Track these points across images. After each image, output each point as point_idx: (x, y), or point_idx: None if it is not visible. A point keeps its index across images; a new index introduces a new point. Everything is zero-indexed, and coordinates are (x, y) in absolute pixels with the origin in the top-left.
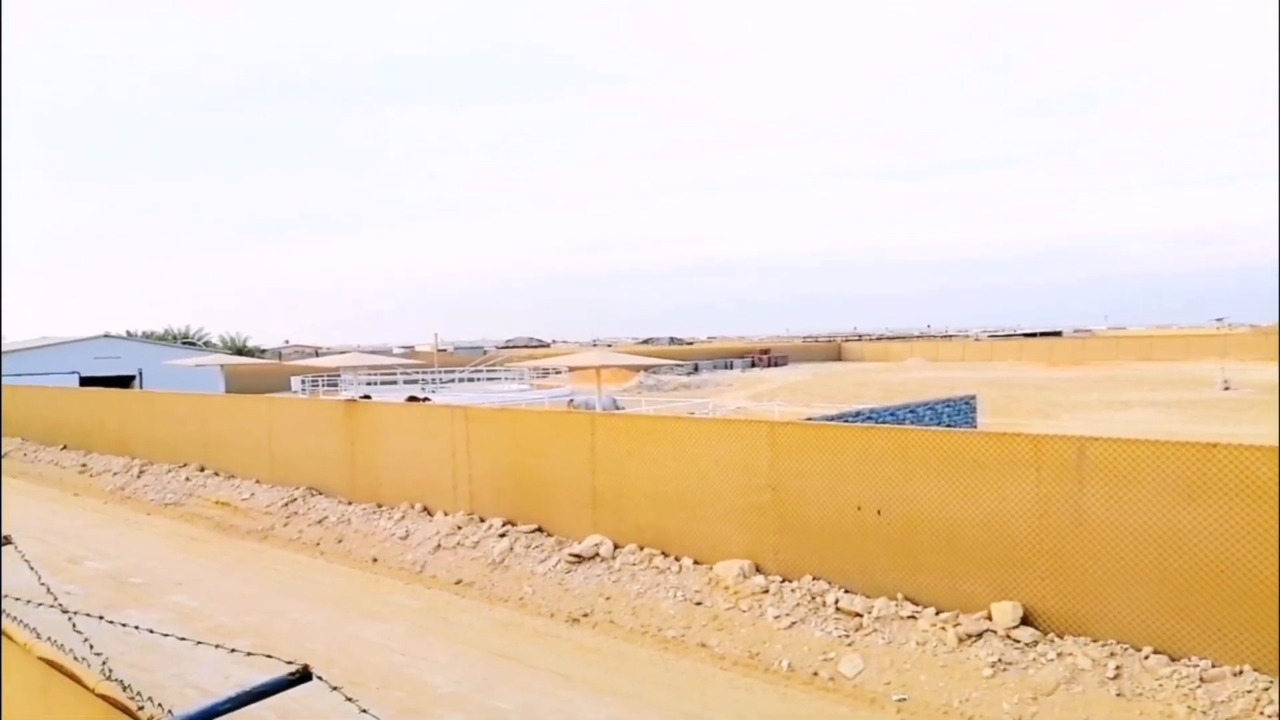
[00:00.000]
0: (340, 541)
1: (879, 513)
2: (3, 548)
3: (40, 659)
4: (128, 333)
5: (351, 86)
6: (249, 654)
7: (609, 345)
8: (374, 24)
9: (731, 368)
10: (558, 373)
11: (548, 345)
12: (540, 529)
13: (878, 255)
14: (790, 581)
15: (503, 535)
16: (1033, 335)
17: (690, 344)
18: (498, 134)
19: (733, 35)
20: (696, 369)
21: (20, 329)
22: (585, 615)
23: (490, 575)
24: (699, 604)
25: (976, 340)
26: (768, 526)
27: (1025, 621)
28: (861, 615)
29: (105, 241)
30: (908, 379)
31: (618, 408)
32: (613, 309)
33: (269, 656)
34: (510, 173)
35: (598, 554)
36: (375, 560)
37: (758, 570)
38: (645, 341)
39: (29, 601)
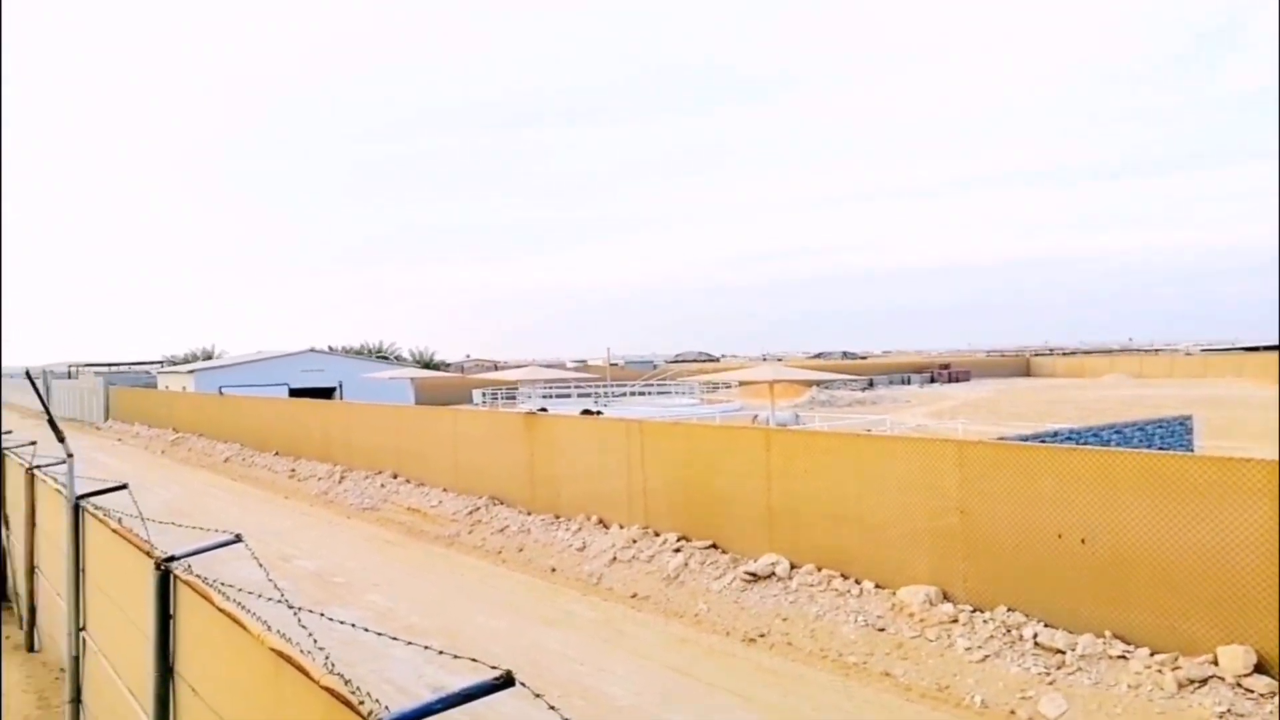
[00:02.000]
0: (521, 550)
1: (1082, 541)
2: (235, 544)
3: (271, 649)
4: (330, 347)
5: (524, 109)
6: (455, 656)
7: (779, 360)
8: (545, 50)
9: (909, 383)
10: (728, 387)
11: (717, 359)
12: (715, 545)
13: (1068, 263)
14: (982, 611)
15: (677, 550)
16: (1255, 349)
17: (864, 358)
18: (668, 149)
19: (901, 38)
20: (871, 384)
21: (238, 344)
22: (762, 635)
23: (665, 590)
24: (882, 630)
25: (1188, 355)
26: (955, 552)
27: (1259, 669)
28: (1064, 652)
29: (310, 261)
30: (1107, 397)
31: (800, 423)
32: (783, 323)
33: (474, 661)
34: (680, 187)
35: (774, 573)
36: (554, 570)
37: (945, 598)
38: (817, 356)
39: (259, 595)
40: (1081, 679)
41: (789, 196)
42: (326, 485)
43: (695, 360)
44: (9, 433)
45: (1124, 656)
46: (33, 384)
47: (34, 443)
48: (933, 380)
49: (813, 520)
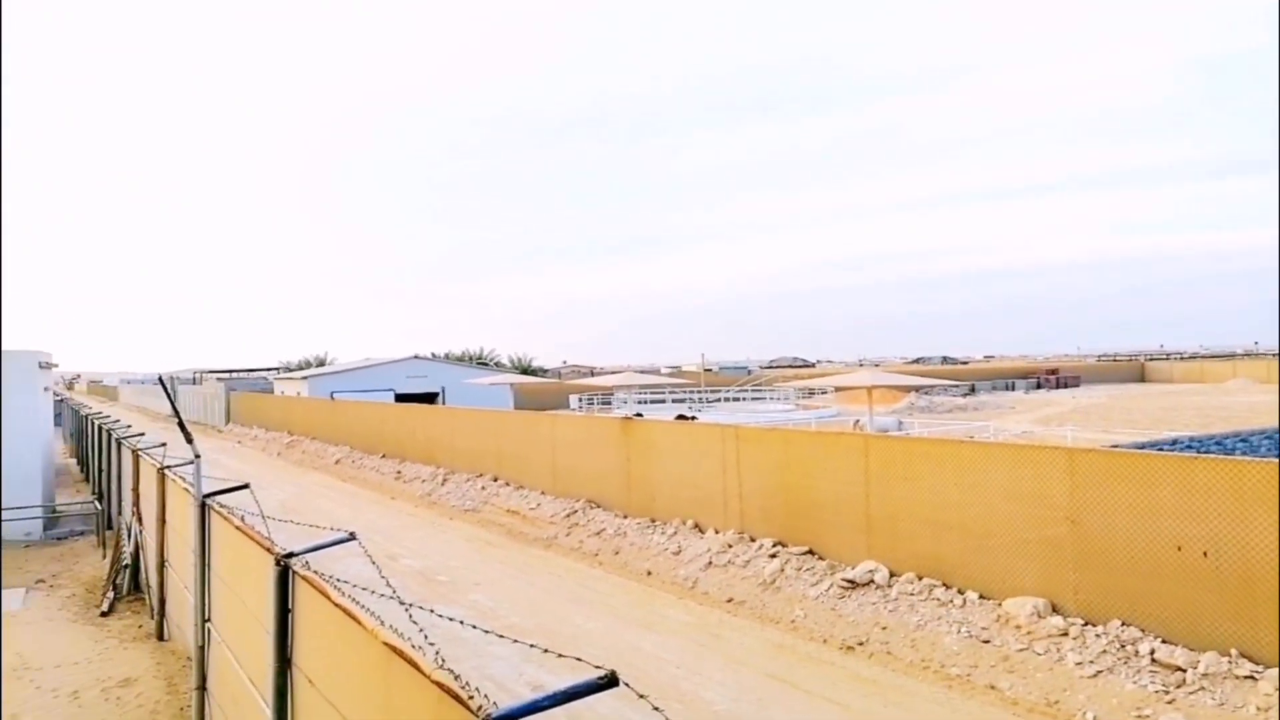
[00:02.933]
0: (617, 553)
1: (1205, 555)
2: (349, 542)
3: (384, 644)
4: (433, 354)
5: (619, 120)
6: (560, 656)
7: (876, 365)
8: (634, 60)
9: (1013, 389)
10: (824, 393)
11: (812, 365)
12: (811, 551)
13: (1187, 262)
14: (1094, 625)
15: (773, 556)
16: None
17: (965, 363)
18: (765, 154)
19: (1002, 41)
20: (973, 390)
21: (348, 352)
22: (860, 643)
23: (761, 595)
24: (986, 642)
25: None
26: (1065, 563)
27: None
28: (1184, 670)
29: (415, 272)
30: (1231, 404)
31: (902, 429)
32: (880, 327)
33: (578, 660)
34: (778, 192)
35: (872, 581)
36: (649, 573)
37: (1054, 610)
38: (915, 361)
39: (372, 592)
40: (1204, 699)
41: (890, 199)
42: (430, 487)
43: (790, 366)
44: (141, 434)
45: (1252, 677)
46: (165, 390)
47: (164, 444)
48: (1039, 386)
49: (913, 528)
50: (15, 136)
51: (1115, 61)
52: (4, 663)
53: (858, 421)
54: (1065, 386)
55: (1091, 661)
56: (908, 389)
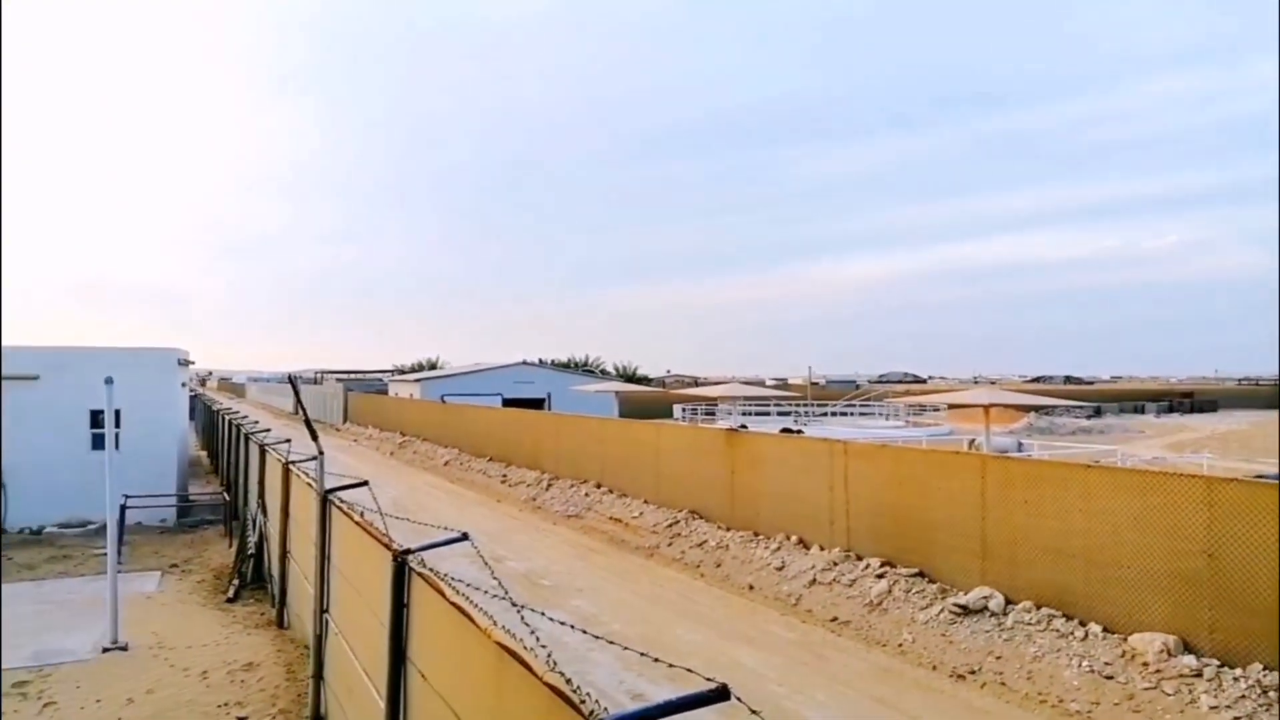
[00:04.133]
0: (719, 566)
1: None
2: (462, 541)
3: (496, 643)
4: (540, 360)
5: (734, 132)
6: (670, 665)
7: (993, 382)
8: (752, 71)
9: (1142, 412)
10: (935, 410)
11: (923, 381)
12: (921, 573)
13: None
14: (1231, 668)
15: (880, 576)
16: None
17: (1090, 384)
18: (877, 166)
19: (1144, 47)
20: (1099, 412)
21: (458, 356)
22: (972, 672)
23: (868, 616)
24: (1109, 678)
25: None
26: (1200, 599)
27: None
28: None
29: (523, 280)
30: None
31: (1023, 451)
32: (996, 343)
33: (689, 671)
34: (891, 203)
35: (986, 608)
36: (751, 587)
37: (1186, 648)
38: (1036, 380)
39: (485, 592)
40: None
41: (1014, 211)
42: (535, 491)
43: (900, 381)
44: (267, 430)
45: None
46: (294, 388)
47: (289, 440)
48: (1171, 410)
49: (1031, 554)
50: (161, 144)
51: (1269, 66)
52: (143, 640)
53: (973, 441)
54: (1200, 411)
55: (1229, 707)
56: (1027, 409)
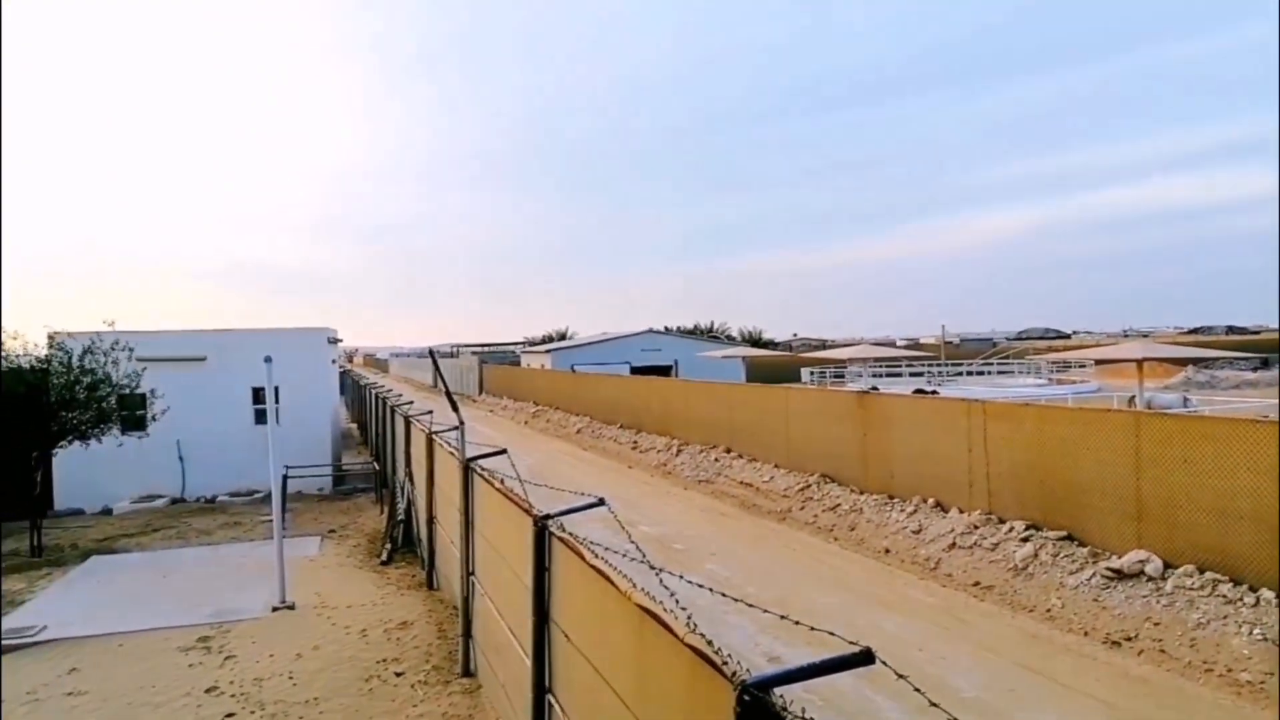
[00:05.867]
0: (853, 530)
1: None
2: (599, 506)
3: (637, 605)
4: (666, 328)
5: (855, 86)
6: (813, 629)
7: (1145, 335)
8: (873, 22)
9: None
10: (1081, 366)
11: (1068, 336)
12: (1069, 537)
13: None
14: None
15: (1025, 540)
16: None
17: (1255, 333)
18: (1013, 114)
19: None
20: (1265, 364)
21: (587, 326)
22: (1128, 639)
23: (1012, 581)
24: None
25: None
26: None
27: None
28: None
29: (651, 249)
30: None
31: (1187, 407)
32: (1148, 294)
33: (831, 634)
34: (1029, 153)
35: (1143, 572)
36: (887, 551)
37: None
38: (1193, 331)
39: (624, 555)
40: None
41: (1161, 153)
42: (665, 457)
43: (1042, 338)
44: (410, 403)
45: None
46: (435, 363)
47: (430, 412)
48: None
49: (1192, 516)
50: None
51: None
52: (308, 600)
53: (1133, 398)
54: None
55: None
56: (1184, 362)
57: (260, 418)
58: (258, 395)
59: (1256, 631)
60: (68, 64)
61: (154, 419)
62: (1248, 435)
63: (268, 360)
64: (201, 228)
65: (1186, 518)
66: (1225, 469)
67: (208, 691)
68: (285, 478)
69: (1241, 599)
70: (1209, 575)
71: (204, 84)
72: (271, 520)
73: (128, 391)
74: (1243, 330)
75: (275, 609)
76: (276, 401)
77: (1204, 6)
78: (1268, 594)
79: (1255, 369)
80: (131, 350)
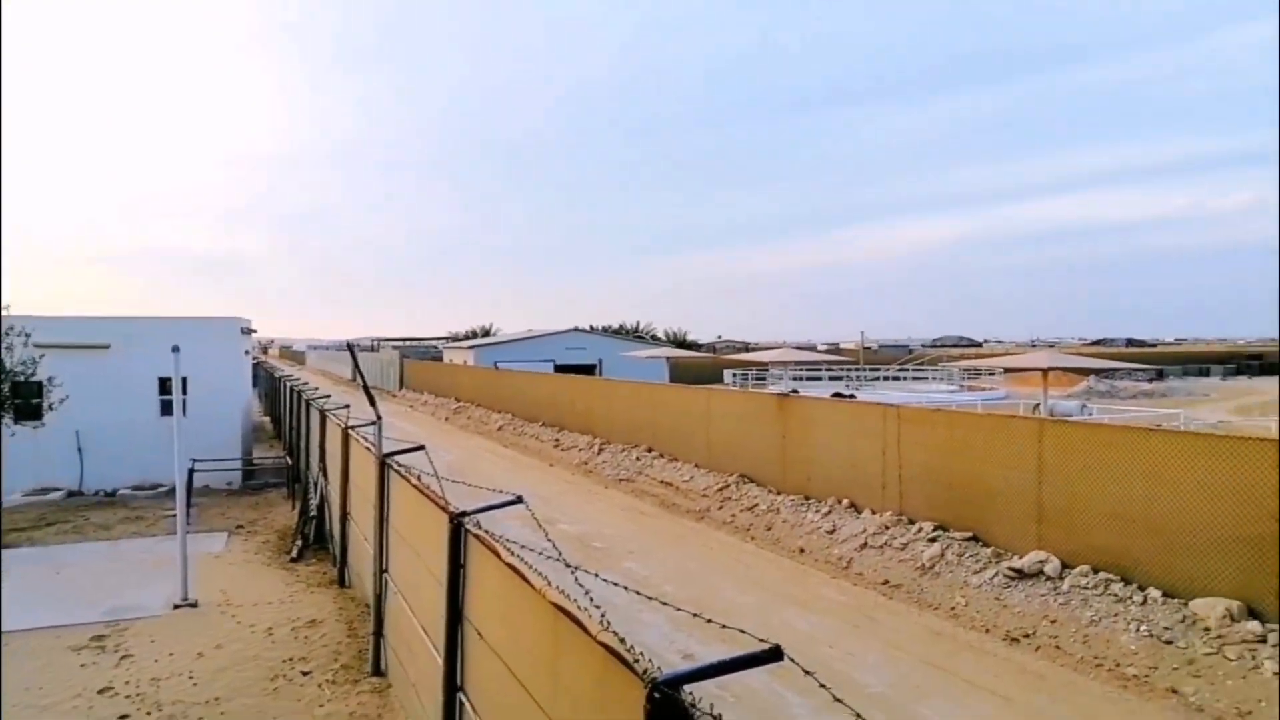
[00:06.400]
0: (769, 529)
1: None
2: (517, 504)
3: (551, 604)
4: (591, 327)
5: (788, 96)
6: (724, 626)
7: (1051, 346)
8: (804, 36)
9: (1207, 375)
10: (991, 374)
11: (979, 345)
12: (975, 538)
13: None
14: None
15: (933, 540)
16: None
17: (1153, 346)
18: (935, 127)
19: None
20: (1161, 375)
21: (511, 323)
22: (1026, 636)
23: (920, 580)
24: (1169, 643)
25: None
26: (1267, 565)
27: None
28: None
29: (576, 248)
30: None
31: (1085, 415)
32: (1057, 307)
33: (742, 631)
34: (950, 166)
35: (1042, 572)
36: (802, 550)
37: (1251, 614)
38: (1096, 343)
39: (540, 553)
40: None
41: (1067, 172)
42: (587, 456)
43: (955, 345)
44: (327, 396)
45: None
46: (353, 356)
47: (348, 406)
48: (1238, 372)
49: (1089, 519)
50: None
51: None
52: (212, 598)
53: (1036, 406)
54: (1269, 373)
55: None
56: (1086, 372)
57: (167, 409)
58: (165, 386)
59: (1144, 628)
60: None
61: (50, 408)
62: (1142, 443)
63: (175, 350)
64: (107, 211)
65: (1084, 521)
66: (1121, 475)
67: (101, 692)
68: (192, 471)
69: (1131, 598)
70: (1102, 575)
71: (113, 61)
72: (175, 515)
73: (23, 379)
74: (1141, 343)
75: (177, 607)
76: (184, 392)
77: (1127, 31)
78: (1154, 593)
79: (1151, 380)
80: (28, 336)
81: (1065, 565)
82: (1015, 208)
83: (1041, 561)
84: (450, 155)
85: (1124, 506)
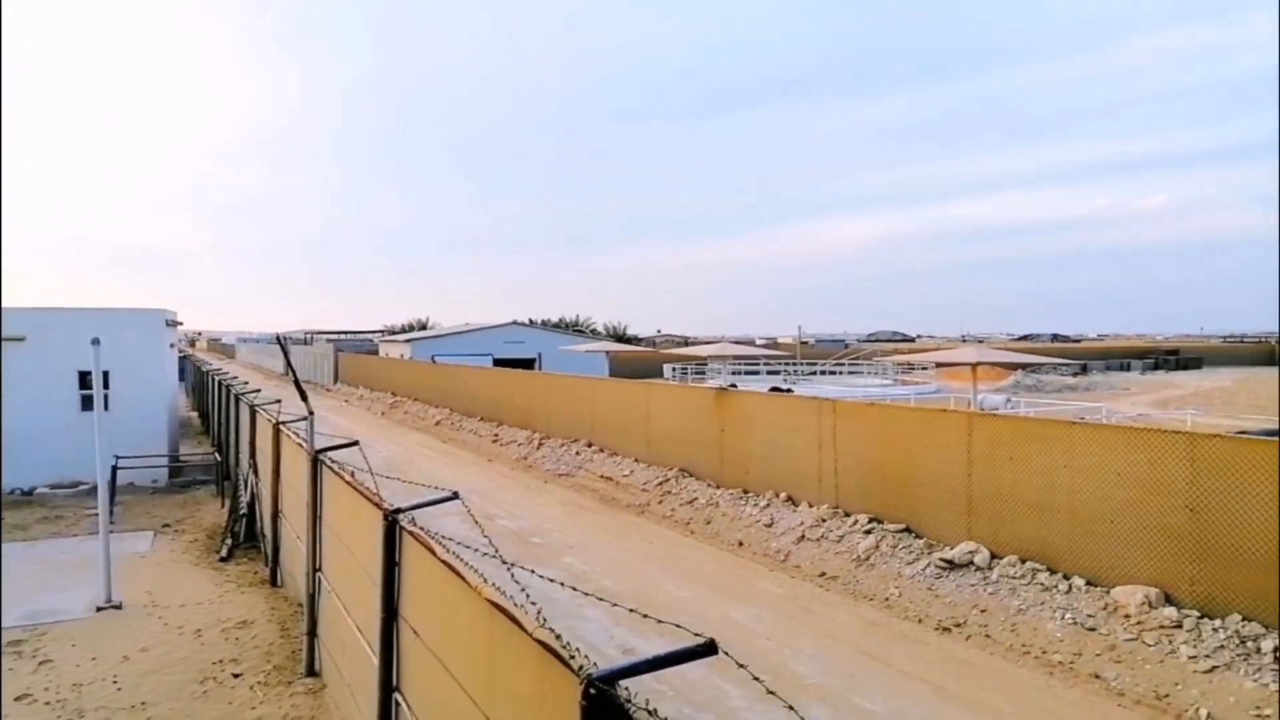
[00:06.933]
0: (709, 523)
1: None
2: (453, 500)
3: (487, 600)
4: (530, 321)
5: (724, 92)
6: (660, 622)
7: (980, 341)
8: (741, 30)
9: (1128, 369)
10: (924, 369)
11: (912, 340)
12: (908, 529)
13: None
14: (1211, 619)
15: (868, 532)
16: None
17: (1076, 341)
18: (870, 126)
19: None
20: (1085, 369)
21: (449, 316)
22: (957, 625)
23: (855, 571)
24: (1092, 630)
25: None
26: (1182, 553)
27: None
28: None
29: (514, 242)
30: None
31: (1011, 408)
32: (983, 303)
33: (678, 626)
34: (882, 165)
35: (972, 562)
36: (741, 544)
37: (1167, 600)
38: (1023, 338)
39: (475, 550)
40: None
41: (1004, 172)
42: (526, 450)
43: (889, 340)
44: (258, 391)
45: None
46: (283, 349)
47: (279, 401)
48: (1157, 367)
49: (1016, 510)
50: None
51: (1244, 27)
52: (137, 599)
53: (969, 401)
54: (1185, 368)
55: (1207, 656)
56: (1014, 366)
57: (87, 404)
58: (85, 380)
59: (1068, 616)
60: None
61: None
62: (1065, 436)
63: (95, 342)
64: (22, 197)
65: (1011, 511)
66: (1045, 466)
67: (18, 699)
68: (115, 468)
69: (1057, 586)
70: (1029, 564)
71: (46, 46)
72: (97, 514)
73: None
74: (1066, 338)
75: (100, 609)
76: (105, 387)
77: (1052, 33)
78: (1078, 581)
79: (1075, 374)
80: None
81: (994, 555)
82: (946, 207)
83: (971, 552)
84: (387, 145)
85: (1048, 497)
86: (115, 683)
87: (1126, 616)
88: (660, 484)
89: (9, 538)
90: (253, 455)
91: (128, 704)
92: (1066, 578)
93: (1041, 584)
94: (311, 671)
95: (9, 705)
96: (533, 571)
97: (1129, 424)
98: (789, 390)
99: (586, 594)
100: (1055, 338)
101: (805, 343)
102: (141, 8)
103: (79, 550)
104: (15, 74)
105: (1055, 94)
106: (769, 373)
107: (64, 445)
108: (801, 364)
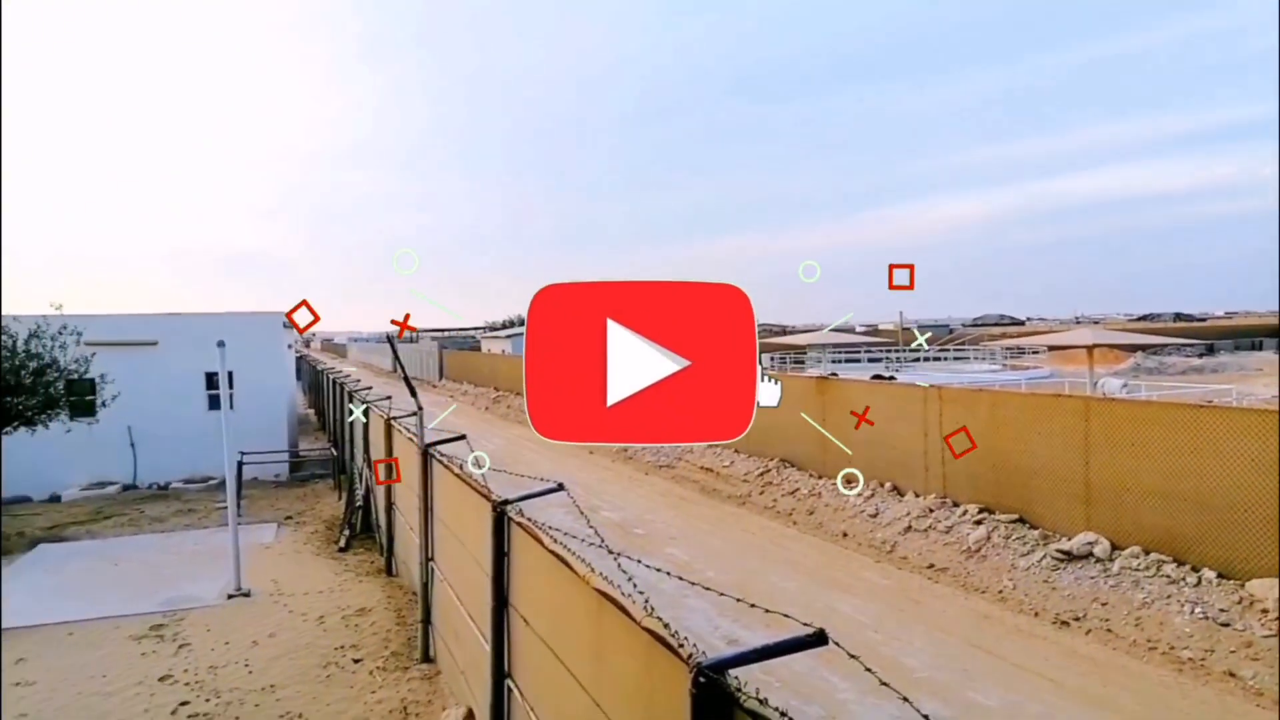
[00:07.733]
0: (811, 513)
1: None
2: (558, 492)
3: (595, 590)
4: None
5: (821, 72)
6: (767, 611)
7: (1096, 322)
8: (845, 19)
9: (1260, 349)
10: (1035, 353)
11: (1022, 323)
12: (1021, 519)
13: None
14: None
15: (979, 522)
16: None
17: (1202, 320)
18: (977, 103)
19: None
20: (1211, 349)
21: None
22: (1076, 619)
23: (965, 563)
24: (1225, 625)
25: None
26: None
27: None
28: None
29: (605, 233)
30: None
31: (1128, 392)
32: (1100, 281)
33: (786, 616)
34: (981, 141)
35: (1091, 553)
36: (845, 534)
37: None
38: (1143, 318)
39: (582, 540)
40: None
41: (1107, 144)
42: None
43: (996, 324)
44: (369, 388)
45: None
46: (393, 347)
47: (389, 397)
48: None
49: (1139, 498)
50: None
51: None
52: (264, 587)
53: (1085, 385)
54: None
55: None
56: (1133, 348)
57: (214, 403)
58: (211, 380)
59: (1198, 610)
60: (19, 53)
61: (104, 404)
62: (1192, 420)
63: (221, 345)
64: (151, 213)
65: (1133, 500)
66: (1170, 452)
67: (161, 680)
68: (240, 464)
69: (1184, 579)
70: (1154, 556)
71: (150, 66)
72: (226, 507)
73: (76, 377)
74: (1190, 317)
75: (230, 596)
76: (230, 386)
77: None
78: (1209, 574)
79: (1201, 355)
80: (80, 334)
81: (1115, 546)
82: (1050, 183)
83: (1090, 543)
84: (488, 151)
85: (1174, 484)
86: (246, 666)
87: (1264, 611)
88: (761, 474)
89: (149, 529)
90: (366, 450)
91: (258, 686)
92: (1195, 570)
93: (1168, 576)
94: (426, 658)
95: (154, 685)
96: (639, 561)
97: (1262, 406)
98: (891, 378)
99: (693, 584)
100: (1178, 317)
101: (908, 329)
102: (238, 27)
103: (210, 541)
104: (127, 98)
105: (1170, 58)
106: (870, 360)
107: (195, 442)
108: (904, 350)
